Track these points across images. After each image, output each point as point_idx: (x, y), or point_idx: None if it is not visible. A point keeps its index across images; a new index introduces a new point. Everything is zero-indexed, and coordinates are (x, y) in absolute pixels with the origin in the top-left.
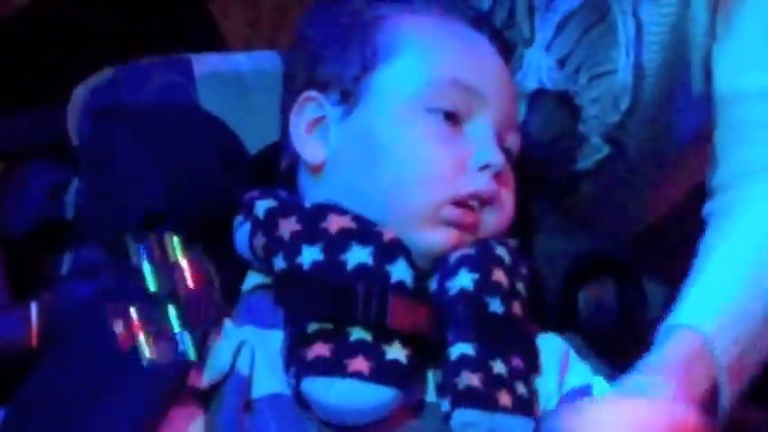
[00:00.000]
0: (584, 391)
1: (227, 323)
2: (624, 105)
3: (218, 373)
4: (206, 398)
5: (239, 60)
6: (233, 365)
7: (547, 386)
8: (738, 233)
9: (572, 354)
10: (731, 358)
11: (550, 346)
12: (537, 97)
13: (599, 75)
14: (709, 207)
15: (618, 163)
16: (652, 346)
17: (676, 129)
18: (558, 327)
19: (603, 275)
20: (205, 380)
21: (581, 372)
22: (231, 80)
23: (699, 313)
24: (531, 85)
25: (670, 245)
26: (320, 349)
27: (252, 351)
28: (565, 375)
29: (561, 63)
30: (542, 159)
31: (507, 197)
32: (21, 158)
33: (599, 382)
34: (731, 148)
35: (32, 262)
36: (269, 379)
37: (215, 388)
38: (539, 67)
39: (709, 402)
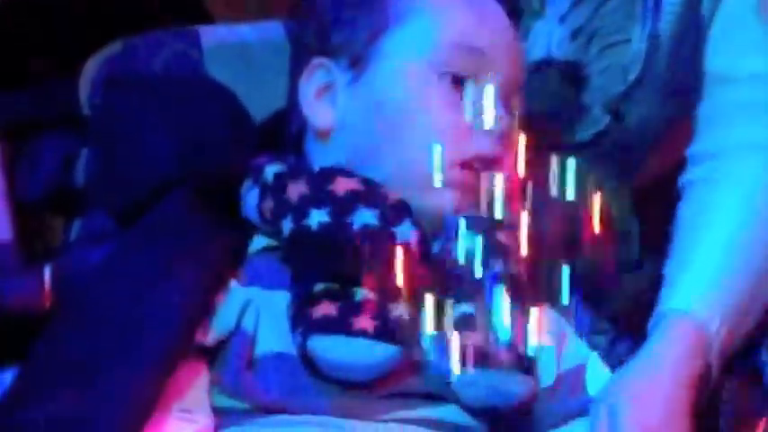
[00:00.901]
0: (579, 372)
1: (234, 283)
2: (633, 76)
3: (223, 330)
4: (211, 354)
5: (245, 31)
6: (238, 324)
7: (544, 357)
8: (721, 210)
9: (569, 330)
10: (722, 338)
11: (550, 320)
12: (540, 67)
13: (611, 44)
14: (685, 177)
15: (614, 135)
16: (649, 333)
17: (679, 102)
18: (559, 288)
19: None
20: (211, 337)
21: (577, 350)
22: (237, 50)
23: (691, 297)
24: (536, 55)
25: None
26: (326, 308)
27: (257, 310)
28: (562, 351)
29: (575, 34)
30: (539, 130)
31: (512, 159)
32: (33, 129)
33: (593, 359)
34: (714, 124)
35: (44, 228)
36: (272, 338)
37: (221, 345)
38: (548, 38)
39: (702, 381)
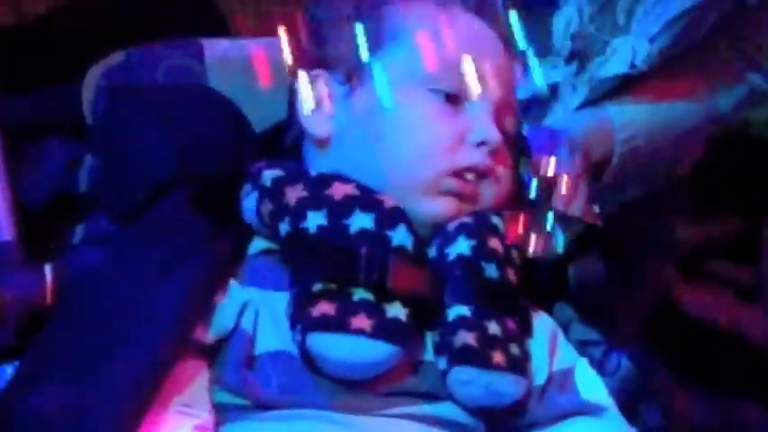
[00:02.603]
0: (569, 372)
1: (233, 283)
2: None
3: (222, 329)
4: (211, 353)
5: (248, 46)
6: (237, 323)
7: (537, 358)
8: None
9: (560, 334)
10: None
11: (541, 322)
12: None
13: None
14: None
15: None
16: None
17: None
18: (549, 297)
19: (591, 250)
20: (210, 336)
21: (567, 354)
22: (239, 64)
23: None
24: (614, 69)
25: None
26: (325, 307)
27: (255, 310)
28: (554, 355)
29: (662, 52)
30: None
31: (503, 173)
32: (37, 133)
33: (581, 364)
34: None
35: (47, 232)
36: (272, 337)
37: (220, 344)
38: (633, 53)
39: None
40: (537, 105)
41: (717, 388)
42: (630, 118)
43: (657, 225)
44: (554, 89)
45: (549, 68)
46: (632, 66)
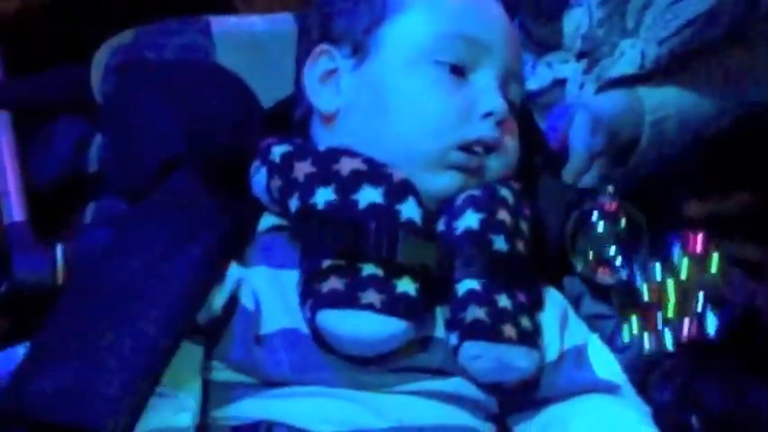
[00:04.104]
0: (582, 348)
1: (232, 265)
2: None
3: (215, 309)
4: (205, 333)
5: (255, 22)
6: (236, 302)
7: (548, 332)
8: None
9: (570, 310)
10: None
11: (551, 298)
12: (626, 82)
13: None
14: None
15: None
16: None
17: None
18: (559, 270)
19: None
20: (203, 316)
21: (578, 330)
22: (247, 40)
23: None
24: (622, 69)
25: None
26: (334, 283)
27: (253, 288)
28: (565, 331)
29: (671, 53)
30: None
31: (511, 144)
32: (47, 114)
33: (593, 341)
34: None
35: (58, 212)
36: (281, 315)
37: (218, 324)
38: (642, 56)
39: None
40: (539, 100)
41: (730, 369)
42: (661, 101)
43: (670, 199)
44: (562, 83)
45: (560, 63)
46: (641, 67)
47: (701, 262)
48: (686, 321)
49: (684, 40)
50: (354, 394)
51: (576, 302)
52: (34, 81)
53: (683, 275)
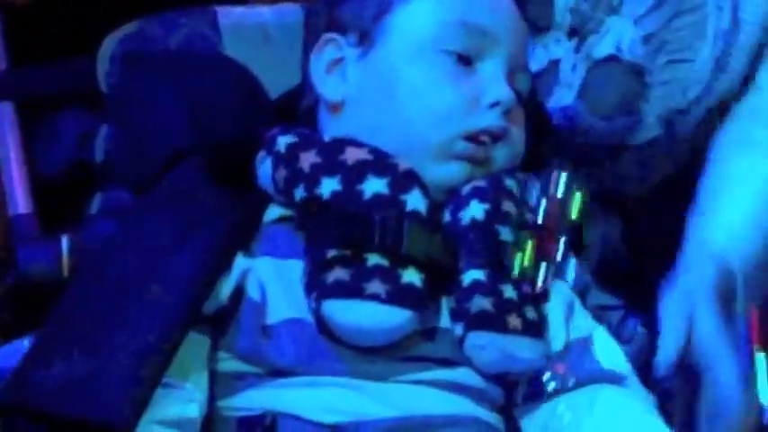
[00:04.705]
0: (587, 340)
1: (238, 256)
2: (692, 95)
3: (221, 299)
4: (212, 324)
5: (263, 12)
6: (242, 293)
7: (553, 323)
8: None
9: (576, 301)
10: (748, 271)
11: (557, 290)
12: (606, 64)
13: (677, 60)
14: (723, 135)
15: (665, 142)
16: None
17: None
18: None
19: (612, 212)
20: (210, 307)
21: (584, 321)
22: (255, 31)
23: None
24: (604, 51)
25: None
26: (339, 273)
27: (259, 279)
28: (571, 322)
29: (647, 39)
30: (593, 128)
31: (517, 134)
32: (52, 106)
33: (599, 332)
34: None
35: (64, 204)
36: (286, 305)
37: (224, 314)
38: (620, 36)
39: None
40: (538, 83)
41: None
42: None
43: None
44: (557, 64)
45: (553, 43)
46: (619, 50)
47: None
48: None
49: (660, 21)
50: (360, 384)
51: (581, 293)
52: (40, 72)
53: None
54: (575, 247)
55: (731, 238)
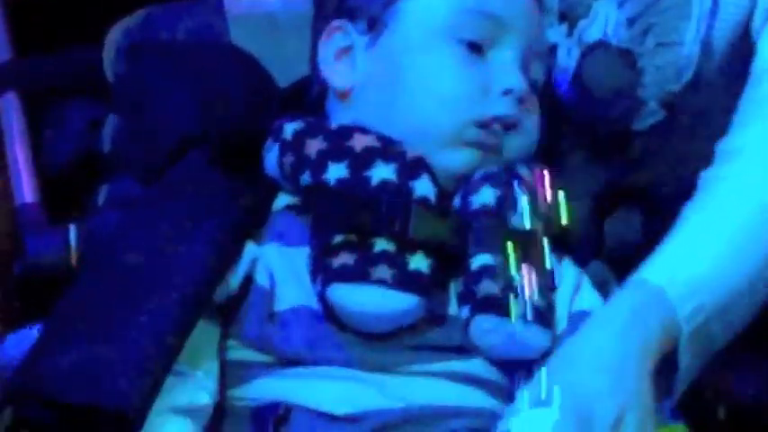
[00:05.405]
0: (585, 316)
1: (249, 244)
2: (686, 78)
3: (231, 287)
4: (222, 312)
5: (270, 1)
6: (251, 280)
7: (560, 309)
8: (730, 207)
9: (586, 281)
10: (694, 325)
11: (566, 271)
12: (597, 49)
13: (665, 43)
14: (707, 172)
15: (674, 126)
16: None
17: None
18: (584, 255)
19: (630, 205)
20: (220, 294)
21: (590, 298)
22: (262, 20)
23: (667, 274)
24: (593, 35)
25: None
26: (345, 258)
27: (268, 266)
28: (575, 297)
29: (630, 22)
30: (596, 112)
31: (531, 123)
32: (59, 94)
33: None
34: (747, 121)
35: (71, 194)
36: (294, 292)
37: (234, 302)
38: (606, 20)
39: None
40: None
41: (761, 359)
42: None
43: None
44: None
45: (548, 28)
46: (605, 35)
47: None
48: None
49: (640, 8)
50: (370, 375)
51: (600, 288)
52: (46, 62)
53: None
54: (594, 241)
55: (684, 278)
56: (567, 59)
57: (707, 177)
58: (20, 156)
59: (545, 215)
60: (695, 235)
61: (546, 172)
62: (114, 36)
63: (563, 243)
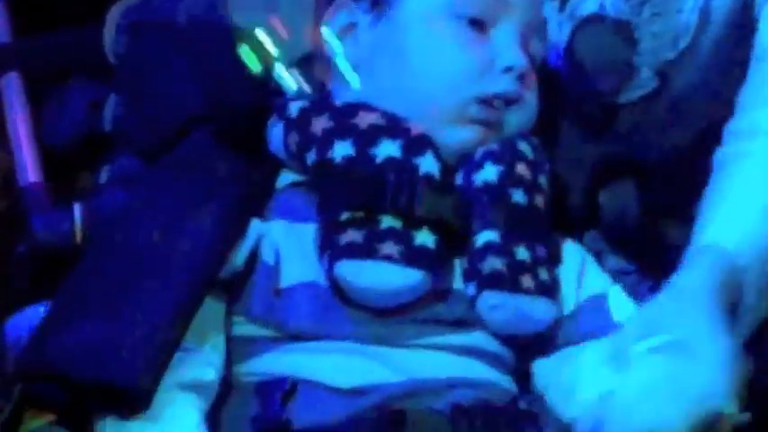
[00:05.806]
0: (601, 300)
1: (254, 221)
2: (682, 45)
3: (237, 263)
4: (227, 289)
5: None
6: (256, 256)
7: (566, 285)
8: (746, 179)
9: (590, 260)
10: (756, 275)
11: (570, 251)
12: (591, 22)
13: (663, 12)
14: (722, 150)
15: (662, 98)
16: (680, 267)
17: (729, 76)
18: (580, 226)
19: (626, 177)
20: (226, 271)
21: (599, 279)
22: None
23: (721, 233)
24: (588, 9)
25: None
26: (352, 235)
27: (274, 242)
28: (583, 282)
29: None
30: (586, 87)
31: (531, 98)
32: (60, 74)
33: (615, 292)
34: (757, 102)
35: (74, 174)
36: (300, 268)
37: (239, 278)
38: None
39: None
40: None
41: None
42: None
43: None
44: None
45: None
46: (602, 6)
47: None
48: None
49: None
50: (375, 348)
51: (596, 258)
52: (46, 42)
53: None
54: (591, 213)
55: (739, 234)
56: (558, 34)
57: (726, 154)
58: (23, 135)
59: (545, 190)
60: (740, 200)
61: (542, 146)
62: (114, 15)
63: (560, 215)
